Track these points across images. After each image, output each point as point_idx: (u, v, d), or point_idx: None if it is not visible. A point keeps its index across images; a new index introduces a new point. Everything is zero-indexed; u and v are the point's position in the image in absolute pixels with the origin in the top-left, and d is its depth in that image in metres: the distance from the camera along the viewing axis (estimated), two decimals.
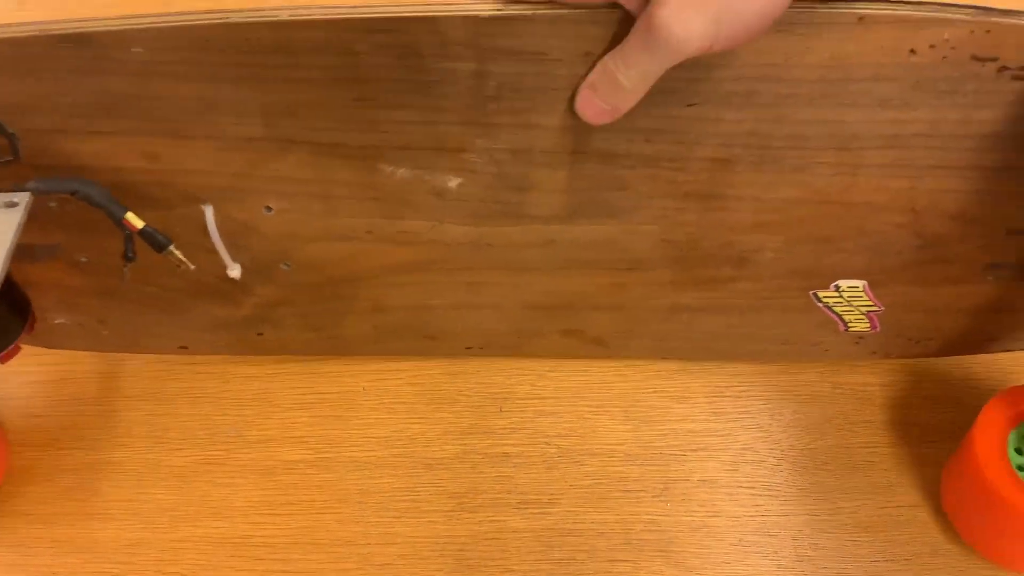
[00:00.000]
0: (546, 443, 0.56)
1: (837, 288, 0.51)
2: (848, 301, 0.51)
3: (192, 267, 0.47)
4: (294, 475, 0.56)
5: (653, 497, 0.54)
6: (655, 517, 0.53)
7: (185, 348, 0.57)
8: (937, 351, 0.56)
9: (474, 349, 0.58)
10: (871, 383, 0.58)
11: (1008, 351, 0.55)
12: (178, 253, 0.46)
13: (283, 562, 0.52)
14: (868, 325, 0.53)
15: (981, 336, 0.54)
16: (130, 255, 0.45)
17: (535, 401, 0.58)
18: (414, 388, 0.59)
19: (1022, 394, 0.49)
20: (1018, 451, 0.48)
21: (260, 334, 0.56)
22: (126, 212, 0.44)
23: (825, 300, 0.51)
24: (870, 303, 0.51)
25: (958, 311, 0.52)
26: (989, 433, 0.48)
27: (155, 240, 0.45)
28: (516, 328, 0.56)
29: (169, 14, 0.39)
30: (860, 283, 0.50)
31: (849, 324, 0.53)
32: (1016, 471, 0.46)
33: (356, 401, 0.58)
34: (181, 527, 0.54)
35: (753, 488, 0.54)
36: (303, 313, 0.54)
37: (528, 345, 0.57)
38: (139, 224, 0.44)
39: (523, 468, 0.55)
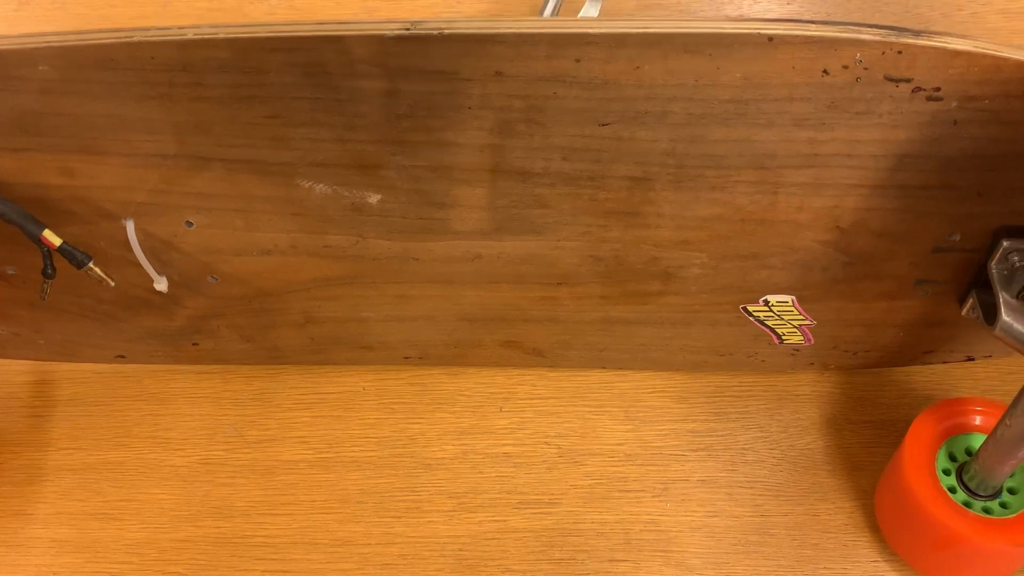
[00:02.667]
0: (546, 443, 0.56)
1: (766, 302, 0.50)
2: (779, 315, 0.51)
3: (112, 283, 0.47)
4: (294, 475, 0.56)
5: (653, 497, 0.54)
6: (655, 517, 0.53)
7: (123, 357, 0.57)
8: (875, 363, 0.56)
9: (412, 359, 0.58)
10: (870, 384, 0.58)
11: (946, 363, 0.55)
12: (97, 270, 0.46)
13: (283, 562, 0.53)
14: (802, 338, 0.53)
15: (917, 349, 0.54)
16: (49, 272, 0.45)
17: (535, 401, 0.58)
18: (414, 388, 0.59)
19: (950, 409, 0.49)
20: (946, 472, 0.48)
21: (195, 344, 0.56)
22: (44, 229, 0.44)
23: (756, 314, 0.51)
24: (801, 317, 0.51)
25: (892, 325, 0.52)
26: (917, 450, 0.48)
27: (74, 257, 0.45)
28: (453, 339, 0.55)
29: (74, 32, 0.38)
30: (789, 298, 0.50)
31: (783, 337, 0.53)
32: (943, 488, 0.46)
33: (356, 401, 0.58)
34: (182, 527, 0.54)
35: (753, 488, 0.54)
36: (236, 325, 0.54)
37: (467, 355, 0.57)
38: (57, 241, 0.44)
39: (523, 468, 0.55)
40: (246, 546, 0.53)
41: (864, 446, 0.55)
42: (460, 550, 0.52)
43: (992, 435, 0.45)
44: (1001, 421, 0.44)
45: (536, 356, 0.57)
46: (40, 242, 0.44)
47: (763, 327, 0.52)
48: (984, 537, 0.45)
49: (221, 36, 0.38)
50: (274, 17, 0.70)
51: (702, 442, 0.56)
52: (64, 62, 0.39)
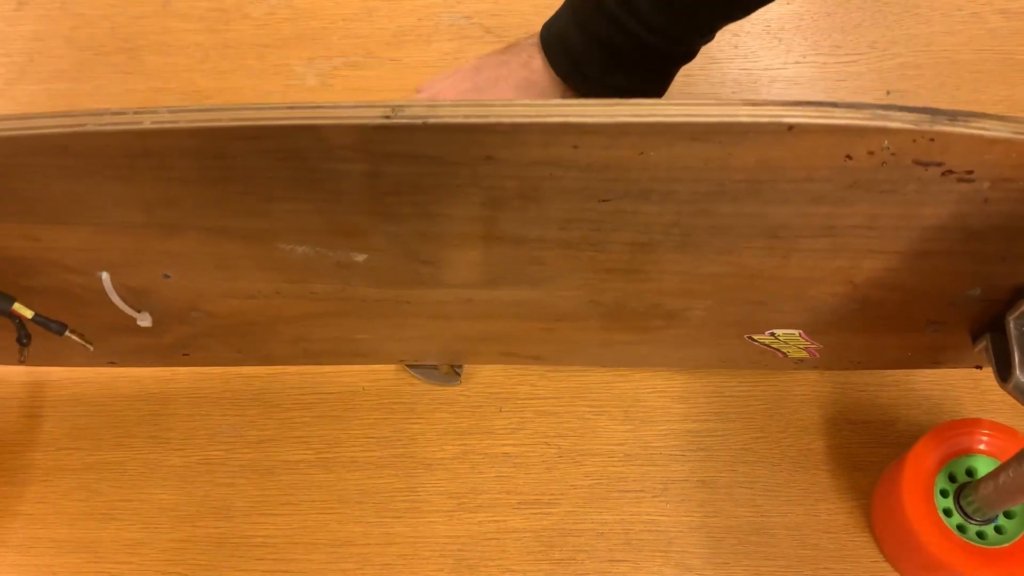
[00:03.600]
0: (546, 443, 0.56)
1: (773, 334, 0.49)
2: (785, 341, 0.50)
3: (91, 348, 0.46)
4: (294, 475, 0.56)
5: (653, 497, 0.54)
6: (655, 517, 0.53)
7: (114, 363, 0.57)
8: (879, 367, 0.56)
9: (408, 361, 0.57)
10: (870, 384, 0.58)
11: (951, 367, 0.54)
12: (75, 337, 0.45)
13: (283, 562, 0.52)
14: (807, 356, 0.52)
15: (925, 360, 0.53)
16: (24, 341, 0.44)
17: (535, 401, 0.58)
18: (414, 388, 0.59)
19: (953, 431, 0.49)
20: (943, 493, 0.48)
21: (186, 355, 0.55)
22: (13, 303, 0.42)
23: (761, 341, 0.50)
24: (808, 343, 0.50)
25: (900, 349, 0.51)
26: (917, 474, 0.47)
27: (49, 327, 0.44)
28: (449, 349, 0.55)
29: (21, 118, 0.36)
30: (796, 331, 0.49)
31: (788, 354, 0.53)
32: (939, 513, 0.46)
33: (356, 401, 0.58)
34: (182, 527, 0.54)
35: (753, 488, 0.54)
36: (226, 341, 0.53)
37: (464, 359, 0.57)
38: (28, 314, 0.43)
39: (523, 468, 0.55)
40: (246, 546, 0.53)
41: (864, 446, 0.55)
42: (460, 550, 0.52)
43: (994, 477, 0.44)
44: (1004, 468, 0.44)
45: (535, 359, 0.57)
46: (11, 315, 0.43)
47: (768, 348, 0.52)
48: (973, 570, 0.45)
49: (182, 126, 0.34)
50: (275, 17, 0.70)
51: (702, 442, 0.56)
52: (16, 150, 0.36)
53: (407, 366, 0.58)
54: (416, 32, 0.69)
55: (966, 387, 0.57)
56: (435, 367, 0.57)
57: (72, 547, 0.53)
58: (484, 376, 0.59)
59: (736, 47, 0.67)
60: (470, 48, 0.68)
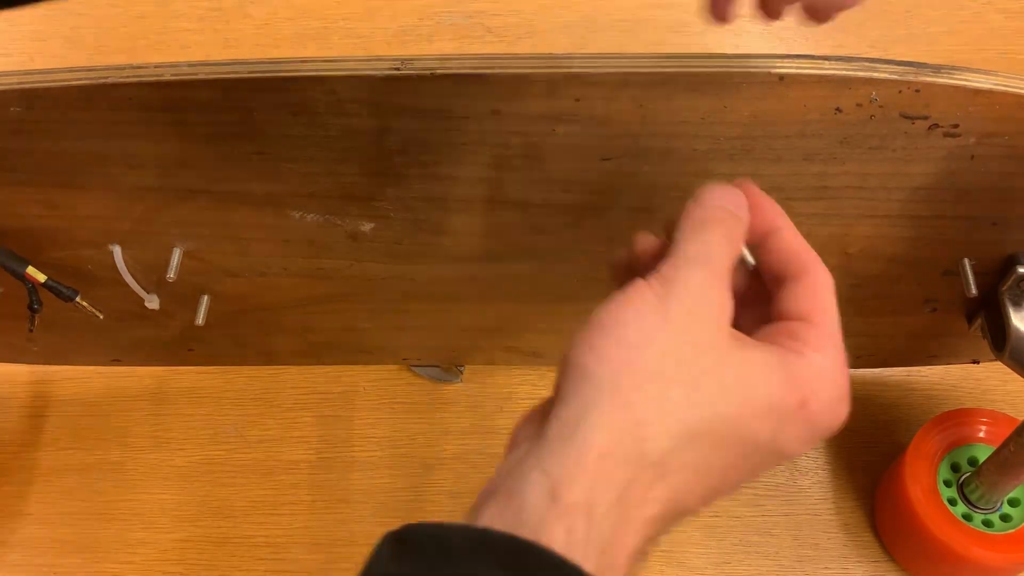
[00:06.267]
0: None
1: None
2: None
3: (100, 316, 0.46)
4: (295, 475, 0.56)
5: None
6: None
7: (118, 361, 0.57)
8: (878, 364, 0.55)
9: (411, 360, 0.57)
10: (871, 383, 0.58)
11: (949, 364, 0.54)
12: (85, 304, 0.45)
13: (284, 562, 0.53)
14: None
15: (923, 354, 0.53)
16: (35, 307, 0.45)
17: (536, 401, 0.58)
18: (415, 388, 0.59)
19: (953, 420, 0.49)
20: (947, 483, 0.48)
21: (190, 350, 0.55)
22: (27, 266, 0.43)
23: None
24: None
25: (897, 336, 0.51)
26: (919, 463, 0.47)
27: (60, 292, 0.44)
28: (451, 344, 0.55)
29: (43, 72, 0.37)
30: None
31: None
32: (943, 501, 0.46)
33: (357, 401, 0.58)
34: (183, 527, 0.54)
35: (754, 488, 0.54)
36: (231, 333, 0.53)
37: (466, 357, 0.57)
38: (41, 278, 0.43)
39: None
40: (246, 546, 0.53)
41: (864, 446, 0.55)
42: None
43: (996, 456, 0.44)
44: (1005, 444, 0.43)
45: (535, 357, 0.56)
46: (24, 279, 0.43)
47: None
48: (981, 553, 0.45)
49: (201, 77, 0.36)
50: (276, 17, 0.70)
51: None
52: (38, 103, 0.37)
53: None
54: (417, 32, 0.69)
55: (967, 387, 0.57)
56: (437, 365, 0.57)
57: (73, 547, 0.53)
58: (484, 376, 0.59)
59: (737, 47, 0.67)
60: (471, 48, 0.68)
